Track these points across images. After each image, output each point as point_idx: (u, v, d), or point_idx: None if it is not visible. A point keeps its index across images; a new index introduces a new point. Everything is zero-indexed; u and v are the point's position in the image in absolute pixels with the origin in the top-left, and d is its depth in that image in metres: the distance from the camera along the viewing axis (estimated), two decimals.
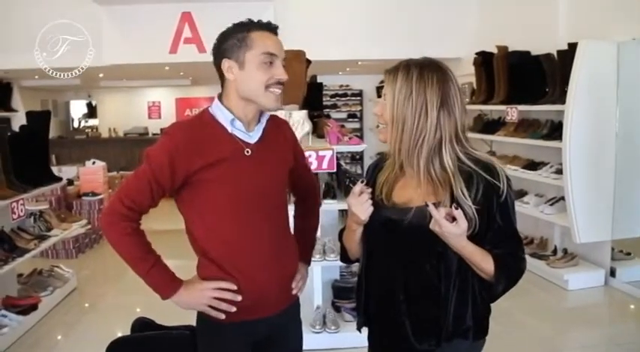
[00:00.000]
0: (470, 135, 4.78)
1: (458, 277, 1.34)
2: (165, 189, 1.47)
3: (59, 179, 4.45)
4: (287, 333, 1.66)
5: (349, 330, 3.13)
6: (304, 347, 1.72)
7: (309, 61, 3.83)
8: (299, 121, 3.18)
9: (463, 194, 1.29)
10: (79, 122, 10.66)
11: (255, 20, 1.50)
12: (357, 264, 1.57)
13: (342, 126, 6.03)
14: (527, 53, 4.88)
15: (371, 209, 1.38)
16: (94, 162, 6.39)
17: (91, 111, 10.69)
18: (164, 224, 3.62)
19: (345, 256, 1.58)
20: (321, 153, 3.03)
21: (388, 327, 1.44)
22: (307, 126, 3.25)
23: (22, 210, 3.59)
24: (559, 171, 4.27)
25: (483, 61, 5.48)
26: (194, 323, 1.64)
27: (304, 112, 3.31)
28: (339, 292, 3.56)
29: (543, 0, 4.88)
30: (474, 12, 5.95)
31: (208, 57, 1.57)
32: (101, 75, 7.72)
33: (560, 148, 4.06)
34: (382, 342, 1.48)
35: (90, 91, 10.41)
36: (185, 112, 10.16)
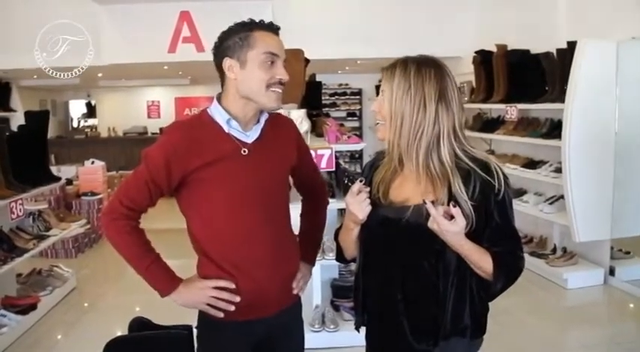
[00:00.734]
0: (469, 133, 4.81)
1: (456, 275, 1.34)
2: (163, 189, 1.48)
3: (58, 179, 4.45)
4: (289, 333, 1.66)
5: (348, 329, 3.13)
6: None
7: (307, 60, 3.82)
8: (298, 120, 3.17)
9: (460, 189, 1.29)
10: (78, 122, 10.67)
11: (257, 20, 1.49)
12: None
13: (342, 124, 6.04)
14: (527, 52, 4.87)
15: (369, 208, 1.38)
16: (93, 162, 6.38)
17: (90, 111, 10.69)
18: (164, 223, 3.62)
19: (340, 256, 1.57)
20: (320, 151, 3.04)
21: (386, 326, 1.43)
22: (306, 125, 3.25)
23: (20, 210, 3.60)
24: (558, 170, 4.27)
25: (483, 59, 5.47)
26: (193, 323, 1.64)
27: (303, 111, 3.31)
28: (338, 291, 3.57)
29: None
30: (474, 11, 5.93)
31: (207, 56, 1.57)
32: (100, 74, 7.72)
33: (559, 147, 4.06)
34: (380, 341, 1.47)
35: (89, 91, 10.41)
36: (184, 111, 10.16)
